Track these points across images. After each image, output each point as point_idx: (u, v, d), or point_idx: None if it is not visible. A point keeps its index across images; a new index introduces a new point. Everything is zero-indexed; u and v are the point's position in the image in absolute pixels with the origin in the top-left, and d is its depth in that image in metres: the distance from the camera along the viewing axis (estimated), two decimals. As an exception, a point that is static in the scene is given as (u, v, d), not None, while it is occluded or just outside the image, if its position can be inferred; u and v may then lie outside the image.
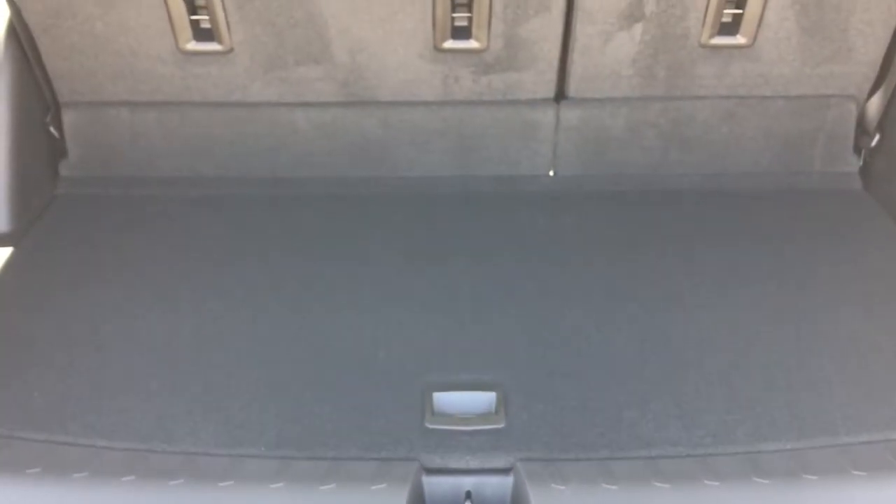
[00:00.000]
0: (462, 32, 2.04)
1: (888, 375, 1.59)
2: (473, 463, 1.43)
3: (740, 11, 2.01)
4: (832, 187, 2.20)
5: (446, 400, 1.55)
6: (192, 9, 2.00)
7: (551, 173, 2.24)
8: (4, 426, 1.49)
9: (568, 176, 2.23)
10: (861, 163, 2.23)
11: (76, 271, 1.91)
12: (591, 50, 2.07)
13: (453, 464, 1.44)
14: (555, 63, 2.10)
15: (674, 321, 1.74)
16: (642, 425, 1.49)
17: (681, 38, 2.05)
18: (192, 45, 2.05)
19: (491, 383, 1.59)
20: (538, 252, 1.96)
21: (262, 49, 2.06)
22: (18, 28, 2.03)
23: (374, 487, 1.36)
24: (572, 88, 2.15)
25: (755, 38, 2.05)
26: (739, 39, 2.06)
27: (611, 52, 2.07)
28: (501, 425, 1.49)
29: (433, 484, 1.42)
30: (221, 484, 1.36)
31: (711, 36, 2.05)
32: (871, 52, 2.09)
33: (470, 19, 2.01)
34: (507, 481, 1.42)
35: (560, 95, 2.19)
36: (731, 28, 2.04)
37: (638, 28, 2.03)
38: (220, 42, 2.04)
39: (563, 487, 1.35)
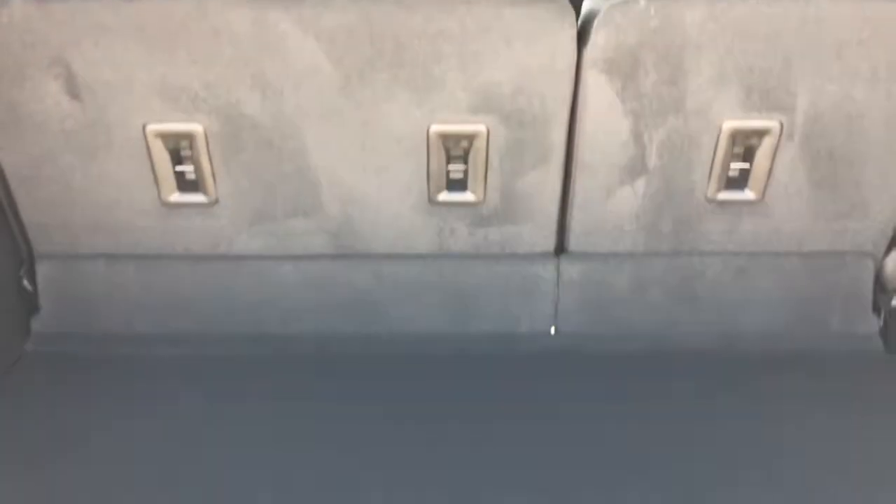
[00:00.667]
0: (457, 185, 1.96)
1: None
2: None
3: (747, 166, 1.93)
4: (852, 349, 2.07)
5: None
6: (177, 159, 1.92)
7: (552, 331, 2.11)
8: None
9: (570, 334, 2.10)
10: (881, 323, 2.10)
11: (38, 441, 1.75)
12: (592, 204, 1.98)
13: None
14: (554, 216, 2.01)
15: (687, 500, 1.57)
16: None
17: (686, 192, 1.96)
18: (176, 197, 1.96)
19: None
20: (539, 418, 1.81)
21: (250, 201, 1.97)
22: None
23: None
24: (573, 242, 2.05)
25: (764, 193, 1.96)
26: (748, 194, 1.97)
27: (613, 206, 1.98)
28: None
29: None
30: None
31: (718, 190, 1.96)
32: (886, 208, 2.00)
33: (465, 171, 1.93)
34: None
35: (560, 249, 2.09)
36: (738, 182, 1.95)
37: (641, 182, 1.94)
38: (205, 193, 1.96)
39: None
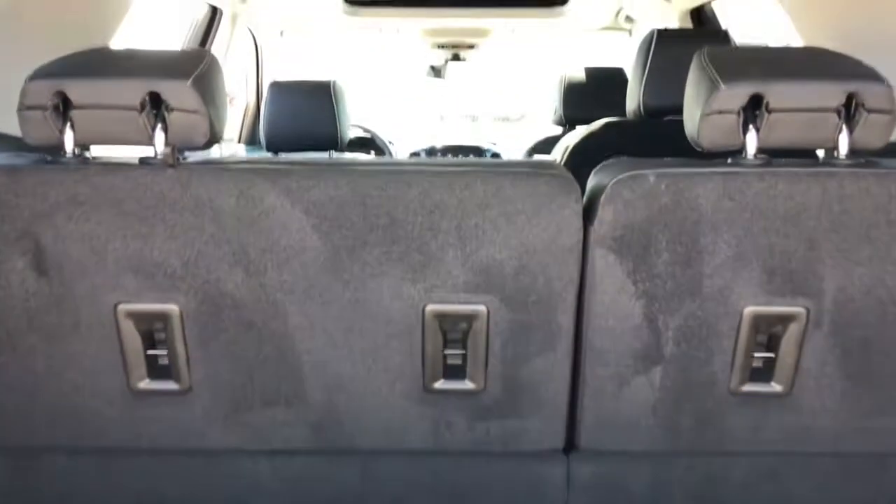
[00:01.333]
0: (455, 371, 1.78)
1: None
2: None
3: (772, 355, 1.76)
4: None
5: None
6: (150, 343, 1.76)
7: (562, 541, 1.87)
8: None
9: None
10: (933, 537, 1.86)
11: None
12: (604, 395, 1.79)
13: None
14: (563, 409, 1.82)
15: None
16: None
17: (707, 384, 1.78)
18: (146, 384, 1.79)
19: None
20: None
21: (225, 389, 1.79)
22: None
23: None
24: (584, 439, 1.85)
25: (792, 386, 1.78)
26: (775, 387, 1.79)
27: (627, 398, 1.79)
28: None
29: None
30: None
31: (742, 382, 1.78)
32: None
33: (464, 357, 1.76)
34: None
35: (570, 447, 1.88)
36: (763, 374, 1.78)
37: (657, 372, 1.77)
38: (177, 381, 1.78)
39: None
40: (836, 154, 1.66)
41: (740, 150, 1.67)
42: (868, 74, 1.63)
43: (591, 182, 1.73)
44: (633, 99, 2.72)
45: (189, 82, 1.63)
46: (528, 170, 1.66)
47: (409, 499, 1.87)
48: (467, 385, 1.79)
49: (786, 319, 1.72)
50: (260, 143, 3.70)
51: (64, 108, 1.64)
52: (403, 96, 6.57)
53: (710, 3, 3.89)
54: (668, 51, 2.62)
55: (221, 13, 4.08)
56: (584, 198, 1.70)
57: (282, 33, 5.15)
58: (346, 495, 1.86)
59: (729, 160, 1.68)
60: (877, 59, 1.69)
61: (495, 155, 5.76)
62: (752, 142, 1.65)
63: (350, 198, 1.63)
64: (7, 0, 2.30)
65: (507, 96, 6.85)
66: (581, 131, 2.81)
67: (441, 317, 1.72)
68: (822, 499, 1.87)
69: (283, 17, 4.85)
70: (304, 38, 5.16)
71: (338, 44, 5.25)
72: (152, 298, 1.70)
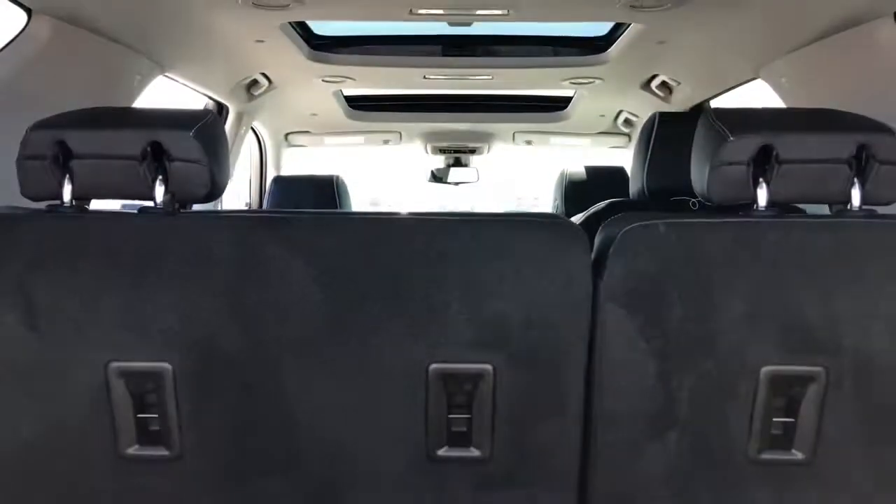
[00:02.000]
0: (460, 438, 1.70)
1: None
2: None
3: (792, 420, 1.68)
4: None
5: None
6: (141, 406, 1.68)
7: None
8: None
9: None
10: None
11: None
12: (617, 463, 1.70)
13: None
14: (573, 479, 1.72)
15: None
16: None
17: (723, 450, 1.69)
18: (135, 450, 1.70)
19: None
20: None
21: (218, 455, 1.70)
22: None
23: None
24: None
25: (815, 454, 1.69)
26: (796, 455, 1.70)
27: (642, 465, 1.70)
28: None
29: None
30: None
31: (761, 450, 1.69)
32: None
33: (469, 421, 1.68)
34: None
35: (581, 522, 1.78)
36: (783, 440, 1.69)
37: (671, 437, 1.68)
38: (167, 447, 1.69)
39: None
40: (849, 207, 1.63)
41: (751, 204, 1.64)
42: (878, 127, 1.62)
43: (601, 235, 1.69)
44: (636, 181, 2.72)
45: (191, 133, 1.61)
46: (536, 220, 1.63)
47: None
48: (473, 452, 1.70)
49: (805, 380, 1.64)
50: None
51: (64, 158, 1.62)
52: (406, 195, 6.64)
53: (708, 101, 3.95)
54: (671, 132, 2.64)
55: (228, 110, 4.14)
56: (594, 251, 1.66)
57: (287, 137, 5.22)
58: None
59: (740, 213, 1.64)
60: None
61: None
62: (762, 194, 1.62)
63: (352, 248, 1.59)
64: (17, 73, 2.32)
65: (512, 188, 6.90)
66: (586, 212, 2.80)
67: (445, 377, 1.65)
68: None
69: (288, 120, 4.92)
70: (309, 139, 5.22)
71: (342, 145, 5.32)
72: (145, 356, 1.63)
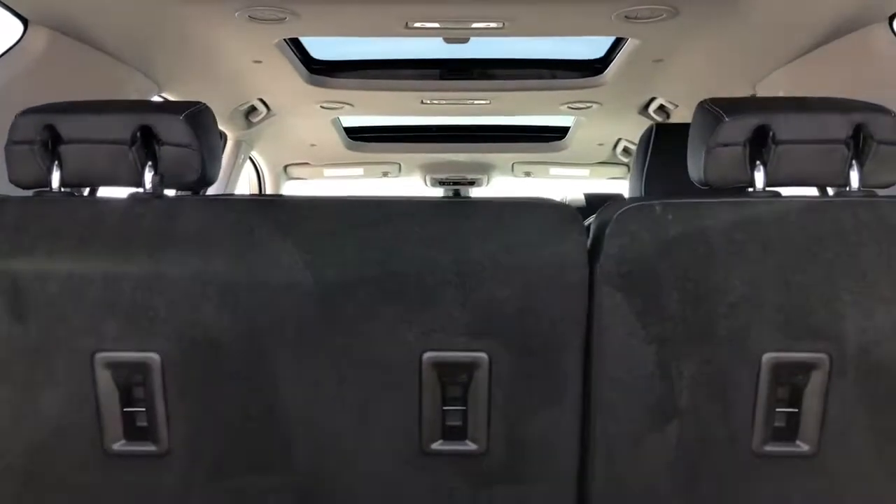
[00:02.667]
0: (455, 431, 1.65)
1: None
2: None
3: (796, 410, 1.63)
4: None
5: None
6: (128, 399, 1.64)
7: None
8: None
9: None
10: None
11: None
12: (617, 455, 1.65)
13: None
14: (572, 471, 1.67)
15: None
16: None
17: (726, 442, 1.64)
18: (121, 445, 1.65)
19: None
20: None
21: (206, 451, 1.66)
22: None
23: None
24: None
25: (819, 445, 1.64)
26: (801, 446, 1.65)
27: (642, 458, 1.65)
28: None
29: None
30: None
31: (765, 441, 1.64)
32: None
33: (464, 413, 1.63)
34: None
35: (581, 518, 1.72)
36: (787, 431, 1.64)
37: (672, 427, 1.63)
38: (155, 442, 1.64)
39: None
40: (847, 189, 1.60)
41: (748, 187, 1.61)
42: (875, 107, 1.60)
43: (597, 219, 1.66)
44: (634, 192, 2.70)
45: (182, 117, 1.60)
46: (529, 201, 1.60)
47: None
48: (469, 446, 1.65)
49: (808, 367, 1.60)
50: None
51: (53, 144, 1.60)
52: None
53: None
54: (668, 143, 2.63)
55: (226, 137, 4.15)
56: (590, 235, 1.63)
57: (286, 169, 5.22)
58: None
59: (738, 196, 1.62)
60: None
61: None
62: (759, 176, 1.59)
63: (344, 231, 1.56)
64: (11, 83, 2.32)
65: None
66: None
67: (440, 367, 1.61)
68: None
69: (287, 150, 4.93)
70: (308, 171, 5.23)
71: (341, 177, 5.32)
72: (132, 345, 1.60)
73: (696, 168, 1.66)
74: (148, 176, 1.59)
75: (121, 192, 1.66)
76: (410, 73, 3.72)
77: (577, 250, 1.57)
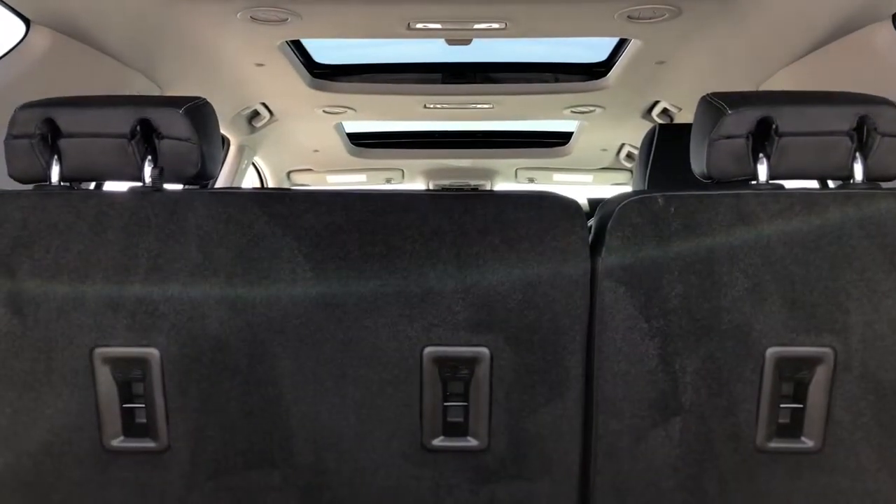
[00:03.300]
0: (456, 427, 1.63)
1: None
2: None
3: (801, 405, 1.62)
4: None
5: None
6: (127, 395, 1.63)
7: None
8: None
9: None
10: None
11: None
12: (620, 451, 1.63)
13: None
14: (575, 468, 1.65)
15: None
16: None
17: (731, 438, 1.63)
18: (120, 442, 1.64)
19: None
20: None
21: (206, 447, 1.64)
22: None
23: None
24: (599, 503, 1.67)
25: (824, 441, 1.62)
26: (805, 442, 1.63)
27: (645, 454, 1.63)
28: None
29: None
30: None
31: (769, 437, 1.62)
32: None
33: (466, 409, 1.62)
34: None
35: (584, 515, 1.70)
36: (792, 427, 1.63)
37: (676, 423, 1.62)
38: (154, 438, 1.63)
39: None
40: (851, 182, 1.59)
41: (751, 179, 1.60)
42: (878, 99, 1.59)
43: (599, 212, 1.65)
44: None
45: (181, 111, 1.59)
46: (531, 195, 1.59)
47: None
48: (470, 442, 1.64)
49: (812, 362, 1.59)
50: None
51: (53, 138, 1.60)
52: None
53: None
54: (671, 143, 2.62)
55: (229, 143, 4.15)
56: (592, 229, 1.62)
57: (289, 175, 5.22)
58: None
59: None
60: None
61: None
62: (763, 169, 1.58)
63: (345, 224, 1.55)
64: (14, 82, 2.32)
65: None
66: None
67: (440, 361, 1.60)
68: None
69: (289, 156, 4.93)
70: (311, 177, 5.23)
71: (344, 184, 5.32)
72: (131, 340, 1.59)
73: (698, 161, 1.65)
74: (147, 169, 1.59)
75: (120, 186, 1.65)
76: (413, 77, 3.72)
77: (579, 243, 1.56)
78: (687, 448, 1.63)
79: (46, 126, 1.58)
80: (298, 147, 4.71)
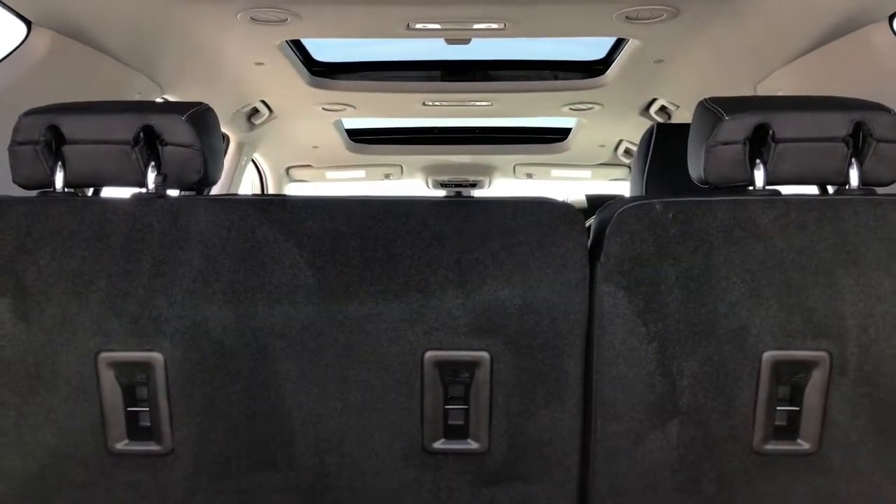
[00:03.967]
0: (457, 430, 1.65)
1: None
2: None
3: (797, 408, 1.64)
4: None
5: None
6: (131, 399, 1.64)
7: None
8: None
9: None
10: None
11: None
12: (619, 454, 1.65)
13: None
14: (574, 470, 1.67)
15: None
16: None
17: (728, 440, 1.65)
18: (124, 445, 1.66)
19: None
20: None
21: (209, 450, 1.66)
22: None
23: None
24: None
25: (821, 443, 1.64)
26: (802, 444, 1.65)
27: (643, 456, 1.65)
28: None
29: None
30: None
31: (766, 440, 1.64)
32: None
33: (466, 412, 1.64)
34: None
35: (583, 517, 1.72)
36: (788, 430, 1.65)
37: (673, 426, 1.64)
38: (158, 441, 1.65)
39: None
40: (847, 187, 1.61)
41: (748, 185, 1.62)
42: (874, 105, 1.61)
43: (597, 217, 1.67)
44: (635, 192, 2.71)
45: (184, 117, 1.61)
46: (530, 200, 1.61)
47: None
48: (470, 445, 1.66)
49: (808, 365, 1.61)
50: None
51: (56, 144, 1.61)
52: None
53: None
54: (669, 143, 2.63)
55: (229, 140, 4.16)
56: (591, 234, 1.64)
57: (288, 171, 5.23)
58: None
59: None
60: None
61: None
62: (759, 175, 1.60)
63: (346, 230, 1.57)
64: (15, 84, 2.33)
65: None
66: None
67: (441, 365, 1.62)
68: None
69: (289, 152, 4.94)
70: (311, 173, 5.24)
71: (344, 180, 5.34)
72: (135, 345, 1.60)
73: (696, 166, 1.67)
74: (151, 176, 1.60)
75: (124, 192, 1.66)
76: (412, 75, 3.73)
77: (578, 249, 1.57)
78: (685, 450, 1.65)
79: (50, 133, 1.60)
80: (297, 143, 4.72)
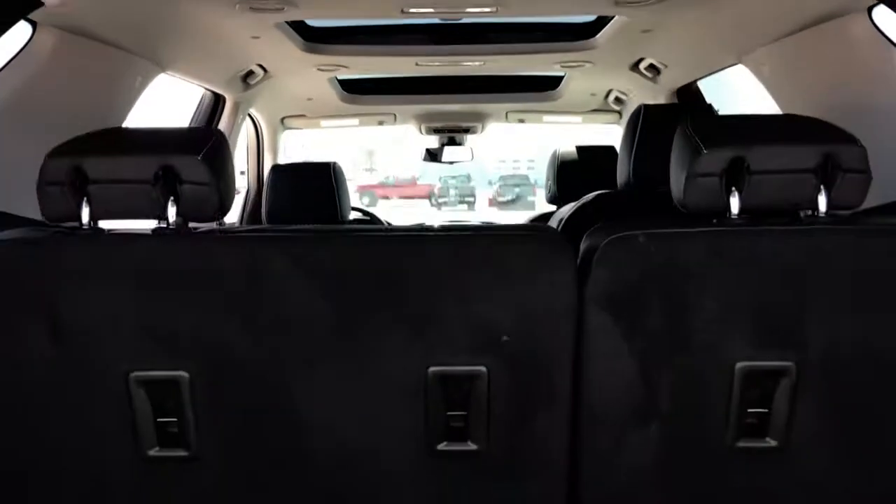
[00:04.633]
0: (459, 434, 1.82)
1: None
2: None
3: (766, 411, 1.80)
4: None
5: None
6: (161, 411, 1.80)
7: None
8: None
9: None
10: None
11: None
12: (603, 454, 1.83)
13: None
14: (563, 469, 1.85)
15: None
16: None
17: (702, 440, 1.82)
18: (155, 452, 1.82)
19: None
20: None
21: (232, 456, 1.83)
22: None
23: None
24: (586, 502, 1.87)
25: (788, 441, 1.82)
26: (770, 442, 1.82)
27: (626, 457, 1.83)
28: None
29: None
30: None
31: (736, 437, 1.82)
32: None
33: (466, 419, 1.81)
34: None
35: (572, 511, 1.91)
36: (758, 429, 1.82)
37: (654, 429, 1.81)
38: (185, 448, 1.82)
39: None
40: (815, 213, 1.74)
41: (724, 212, 1.75)
42: (843, 137, 1.73)
43: (584, 244, 1.80)
44: (623, 172, 2.82)
45: (200, 157, 1.72)
46: (523, 233, 1.74)
47: None
48: (470, 446, 1.83)
49: (776, 374, 1.77)
50: (262, 224, 3.80)
51: (81, 183, 1.72)
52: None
53: (695, 82, 4.04)
54: (656, 124, 2.73)
55: (225, 101, 4.23)
56: (578, 260, 1.77)
57: (283, 121, 5.30)
58: None
59: (714, 221, 1.76)
60: (845, 120, 1.79)
61: None
62: (735, 203, 1.73)
63: (353, 262, 1.70)
64: (25, 84, 2.42)
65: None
66: (575, 204, 2.90)
67: (444, 378, 1.77)
68: None
69: (284, 106, 5.00)
70: (305, 122, 5.31)
71: (338, 128, 5.41)
72: (163, 365, 1.75)
73: (676, 192, 1.79)
74: (171, 212, 1.72)
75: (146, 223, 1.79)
76: (405, 38, 3.78)
77: (567, 277, 1.71)
78: (664, 449, 1.82)
79: (75, 174, 1.71)
80: (292, 97, 4.78)
